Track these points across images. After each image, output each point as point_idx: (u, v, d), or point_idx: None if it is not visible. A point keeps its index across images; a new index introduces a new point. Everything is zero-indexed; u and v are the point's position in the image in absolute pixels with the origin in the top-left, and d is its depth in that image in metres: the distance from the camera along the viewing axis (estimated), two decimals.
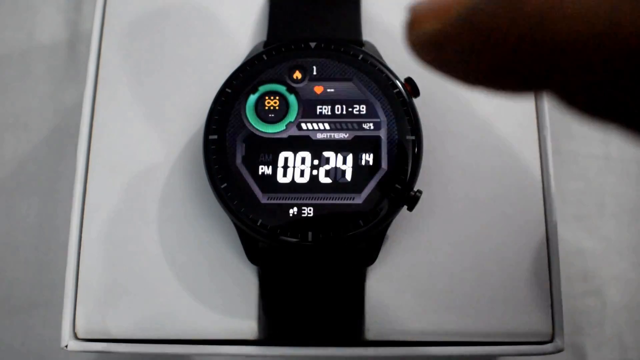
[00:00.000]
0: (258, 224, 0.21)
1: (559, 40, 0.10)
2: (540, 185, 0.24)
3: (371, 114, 0.22)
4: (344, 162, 0.21)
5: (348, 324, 0.22)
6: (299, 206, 0.21)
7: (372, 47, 0.24)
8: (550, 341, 0.22)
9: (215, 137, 0.22)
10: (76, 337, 0.22)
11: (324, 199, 0.21)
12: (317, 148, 0.21)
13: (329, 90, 0.22)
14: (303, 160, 0.22)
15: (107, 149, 0.24)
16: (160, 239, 0.23)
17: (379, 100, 0.22)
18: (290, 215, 0.21)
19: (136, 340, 0.22)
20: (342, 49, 0.22)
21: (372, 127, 0.22)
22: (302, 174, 0.21)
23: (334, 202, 0.21)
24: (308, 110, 0.22)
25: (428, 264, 0.23)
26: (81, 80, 0.26)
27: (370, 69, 0.22)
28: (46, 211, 0.35)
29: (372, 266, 0.22)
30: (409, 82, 0.21)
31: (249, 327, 0.22)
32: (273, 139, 0.22)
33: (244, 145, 0.21)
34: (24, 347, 0.33)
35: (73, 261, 0.23)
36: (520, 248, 0.23)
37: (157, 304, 0.23)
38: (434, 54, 0.13)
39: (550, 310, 0.22)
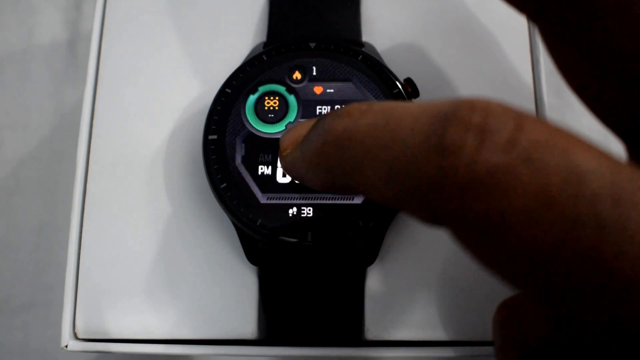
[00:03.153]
0: (257, 224, 0.21)
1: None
2: None
3: None
4: None
5: (348, 324, 0.22)
6: (299, 206, 0.21)
7: (372, 47, 0.24)
8: None
9: (214, 137, 0.22)
10: (76, 337, 0.22)
11: (323, 199, 0.21)
12: None
13: (328, 90, 0.22)
14: None
15: (107, 149, 0.24)
16: (160, 239, 0.23)
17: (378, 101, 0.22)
18: (290, 215, 0.21)
19: (136, 340, 0.22)
20: (341, 50, 0.22)
21: None
22: None
23: (333, 202, 0.21)
24: (308, 111, 0.22)
25: (428, 264, 0.23)
26: (81, 80, 0.26)
27: (370, 70, 0.22)
28: (46, 211, 0.35)
29: (372, 266, 0.22)
30: (409, 83, 0.22)
31: (248, 327, 0.22)
32: (273, 139, 0.22)
33: (243, 145, 0.21)
34: (24, 347, 0.33)
35: (73, 261, 0.23)
36: None
37: (157, 304, 0.23)
38: (297, 176, 0.17)
39: None
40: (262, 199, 0.21)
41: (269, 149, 0.21)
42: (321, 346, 0.22)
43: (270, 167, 0.21)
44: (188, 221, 0.23)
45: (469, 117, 0.11)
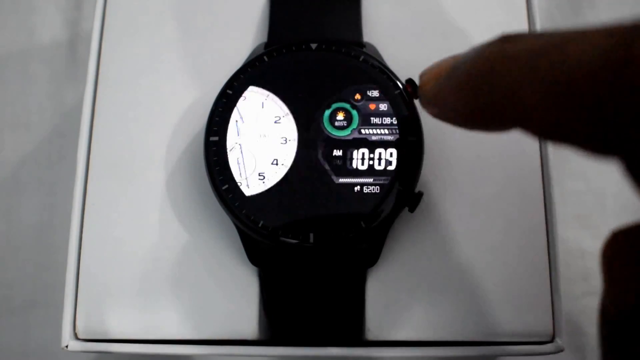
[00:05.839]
0: (259, 225, 0.21)
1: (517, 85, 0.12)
2: (540, 185, 0.24)
3: None
4: None
5: (349, 324, 0.22)
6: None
7: (373, 48, 0.24)
8: (551, 341, 0.22)
9: (216, 138, 0.22)
10: (76, 337, 0.22)
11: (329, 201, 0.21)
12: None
13: (381, 106, 0.22)
14: None
15: (108, 149, 0.24)
16: (161, 239, 0.23)
17: None
18: (292, 216, 0.21)
19: (136, 340, 0.22)
20: (342, 50, 0.23)
21: None
22: None
23: (336, 200, 0.21)
24: (365, 120, 0.22)
25: (429, 265, 0.23)
26: (81, 80, 0.26)
27: (371, 70, 0.22)
28: (46, 211, 0.35)
29: (373, 267, 0.22)
30: (410, 83, 0.22)
31: (249, 327, 0.22)
32: (342, 140, 0.22)
33: (323, 144, 0.22)
34: (24, 347, 0.33)
35: (73, 261, 0.23)
36: (521, 248, 0.23)
37: (158, 304, 0.23)
38: (437, 109, 0.17)
39: (550, 311, 0.22)
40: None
41: (339, 147, 0.22)
42: (322, 346, 0.22)
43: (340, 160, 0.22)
44: (188, 221, 0.23)
45: None
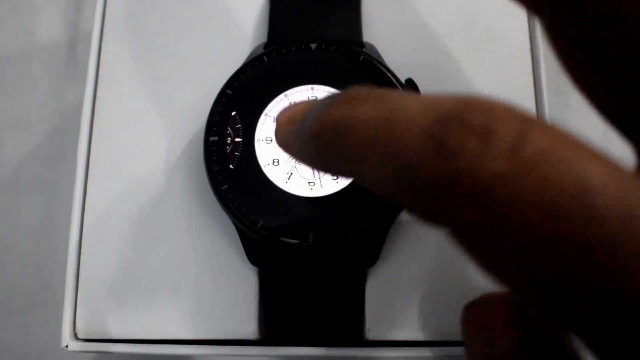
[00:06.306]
0: (259, 225, 0.21)
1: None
2: None
3: None
4: None
5: (348, 324, 0.22)
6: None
7: (373, 48, 0.24)
8: None
9: (215, 138, 0.22)
10: (76, 338, 0.22)
11: (326, 201, 0.21)
12: None
13: None
14: None
15: (108, 149, 0.24)
16: (161, 239, 0.23)
17: None
18: (291, 216, 0.21)
19: (136, 340, 0.22)
20: (342, 50, 0.23)
21: None
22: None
23: (335, 203, 0.21)
24: None
25: (429, 265, 0.23)
26: (81, 80, 0.26)
27: (371, 70, 0.22)
28: (46, 211, 0.35)
29: (373, 267, 0.22)
30: (410, 83, 0.22)
31: (249, 327, 0.22)
32: None
33: None
34: (24, 347, 0.33)
35: (73, 261, 0.23)
36: None
37: (157, 304, 0.23)
38: (289, 154, 0.16)
39: None
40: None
41: None
42: (322, 346, 0.22)
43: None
44: (188, 221, 0.23)
45: (471, 118, 0.11)
